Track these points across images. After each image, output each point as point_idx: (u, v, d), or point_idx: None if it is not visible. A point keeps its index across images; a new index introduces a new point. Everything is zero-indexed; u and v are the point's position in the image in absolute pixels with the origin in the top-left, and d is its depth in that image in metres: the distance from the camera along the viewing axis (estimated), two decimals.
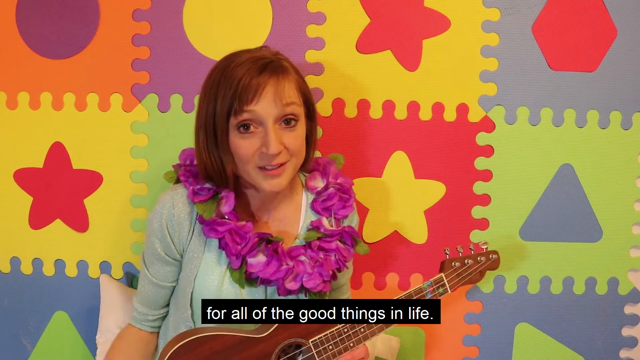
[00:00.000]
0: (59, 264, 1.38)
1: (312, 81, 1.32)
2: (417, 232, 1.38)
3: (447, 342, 1.42)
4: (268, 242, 1.04)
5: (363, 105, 1.34)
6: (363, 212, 1.37)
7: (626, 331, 1.43)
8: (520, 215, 1.38)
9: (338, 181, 1.13)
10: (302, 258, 1.04)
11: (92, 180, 1.36)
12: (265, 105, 0.95)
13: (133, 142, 1.34)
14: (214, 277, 1.03)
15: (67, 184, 1.36)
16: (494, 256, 1.10)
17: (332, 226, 1.10)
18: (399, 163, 1.36)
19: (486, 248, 1.11)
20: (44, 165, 1.36)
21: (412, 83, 1.33)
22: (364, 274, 1.39)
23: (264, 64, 0.97)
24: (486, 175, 1.36)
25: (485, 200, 1.37)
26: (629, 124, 1.35)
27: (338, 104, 1.33)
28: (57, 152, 1.35)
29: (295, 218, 1.11)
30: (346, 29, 1.31)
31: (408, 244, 1.38)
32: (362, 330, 0.99)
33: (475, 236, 1.38)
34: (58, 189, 1.36)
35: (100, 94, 1.33)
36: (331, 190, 1.10)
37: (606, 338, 1.43)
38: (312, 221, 1.10)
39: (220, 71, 0.98)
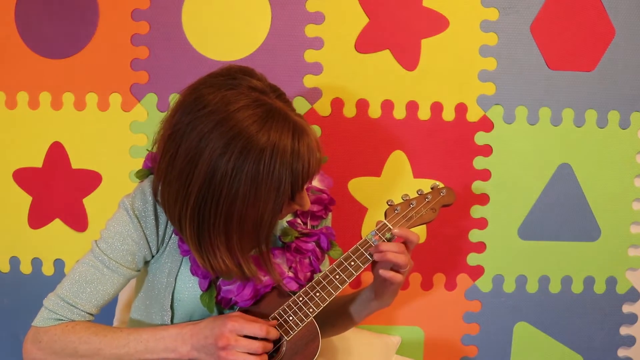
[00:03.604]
0: (58, 263, 1.38)
1: (310, 81, 1.32)
2: (416, 232, 1.38)
3: (446, 342, 1.43)
4: None
5: (362, 104, 1.34)
6: (362, 211, 1.37)
7: (624, 330, 1.44)
8: (519, 214, 1.38)
9: (314, 184, 1.08)
10: (279, 260, 1.00)
11: (91, 180, 1.36)
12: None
13: (132, 142, 1.34)
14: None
15: (66, 184, 1.36)
16: (444, 191, 1.05)
17: (306, 225, 1.06)
18: (397, 162, 1.36)
19: (436, 187, 1.06)
20: (43, 165, 1.36)
21: (411, 83, 1.33)
22: (363, 274, 1.39)
23: (316, 142, 0.88)
24: (485, 175, 1.37)
25: (483, 199, 1.37)
26: (627, 124, 1.36)
27: (337, 103, 1.34)
28: (56, 152, 1.35)
29: None
30: (345, 29, 1.32)
31: None
32: (317, 294, 0.95)
33: (474, 235, 1.38)
34: (57, 189, 1.36)
35: (99, 93, 1.33)
36: (312, 196, 1.06)
37: (604, 337, 1.43)
38: (288, 221, 1.05)
39: (272, 160, 0.81)
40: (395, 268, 0.94)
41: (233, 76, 0.86)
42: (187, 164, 0.82)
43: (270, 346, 0.89)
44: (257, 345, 0.86)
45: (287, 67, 1.32)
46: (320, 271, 1.04)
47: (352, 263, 0.97)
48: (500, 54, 1.33)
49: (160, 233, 0.96)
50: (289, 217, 1.07)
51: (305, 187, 0.89)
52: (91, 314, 0.94)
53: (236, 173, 0.81)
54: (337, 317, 1.09)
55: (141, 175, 1.02)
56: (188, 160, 0.82)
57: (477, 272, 1.40)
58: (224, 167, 0.80)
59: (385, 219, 1.01)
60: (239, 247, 0.88)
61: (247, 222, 0.85)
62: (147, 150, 0.98)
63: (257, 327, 0.88)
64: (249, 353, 0.86)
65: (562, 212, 1.38)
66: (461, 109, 1.34)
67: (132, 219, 0.94)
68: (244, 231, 0.86)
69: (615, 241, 1.40)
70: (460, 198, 1.37)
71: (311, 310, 0.94)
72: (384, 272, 0.94)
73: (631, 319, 1.43)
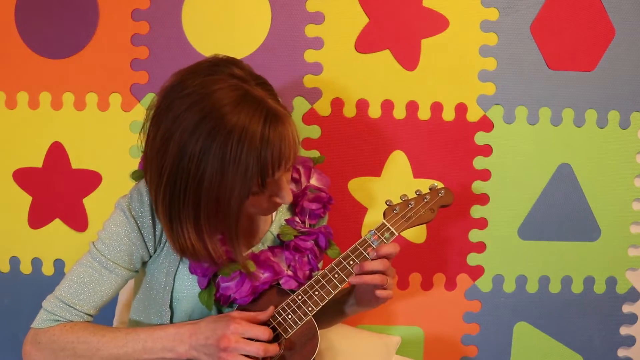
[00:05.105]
0: (58, 263, 1.38)
1: (310, 81, 1.32)
2: (416, 232, 1.38)
3: (446, 342, 1.43)
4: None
5: (362, 104, 1.34)
6: (362, 211, 1.37)
7: (624, 330, 1.44)
8: (519, 214, 1.38)
9: (312, 182, 1.08)
10: (278, 259, 1.00)
11: (91, 180, 1.36)
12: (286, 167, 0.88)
13: (132, 142, 1.34)
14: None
15: (66, 184, 1.36)
16: (442, 192, 1.05)
17: (304, 223, 1.06)
18: (397, 162, 1.36)
19: (435, 187, 1.06)
20: (43, 165, 1.36)
21: (411, 82, 1.33)
22: None
23: (292, 131, 0.86)
24: (485, 175, 1.37)
25: (483, 199, 1.37)
26: (627, 124, 1.36)
27: (337, 103, 1.34)
28: (56, 152, 1.35)
29: (266, 217, 1.06)
30: (345, 29, 1.32)
31: (407, 243, 1.38)
32: (316, 293, 0.95)
33: (474, 235, 1.38)
34: (57, 189, 1.36)
35: (99, 93, 1.33)
36: (310, 195, 1.06)
37: (604, 337, 1.43)
38: (286, 219, 1.06)
39: (237, 141, 0.80)
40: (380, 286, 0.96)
41: (216, 63, 0.87)
42: (162, 144, 0.84)
43: (273, 349, 0.89)
44: (258, 348, 0.86)
45: (287, 67, 1.32)
46: (318, 269, 1.05)
47: (351, 262, 0.97)
48: (500, 54, 1.33)
49: (157, 233, 0.96)
50: (287, 215, 1.07)
51: (277, 175, 0.87)
52: (90, 315, 0.94)
53: (204, 154, 0.81)
54: (325, 315, 1.09)
55: (137, 176, 1.03)
56: (164, 140, 0.84)
57: (477, 272, 1.40)
58: (193, 148, 0.81)
59: (384, 219, 1.02)
60: (206, 229, 0.88)
61: (214, 204, 0.84)
62: (139, 148, 0.97)
63: (261, 330, 0.88)
64: (250, 356, 0.86)
65: (562, 212, 1.38)
66: (461, 109, 1.34)
67: (129, 219, 0.94)
68: (212, 213, 0.86)
69: (615, 241, 1.40)
70: (460, 198, 1.37)
71: (310, 308, 0.95)
72: (381, 293, 0.96)
73: (631, 319, 1.43)
